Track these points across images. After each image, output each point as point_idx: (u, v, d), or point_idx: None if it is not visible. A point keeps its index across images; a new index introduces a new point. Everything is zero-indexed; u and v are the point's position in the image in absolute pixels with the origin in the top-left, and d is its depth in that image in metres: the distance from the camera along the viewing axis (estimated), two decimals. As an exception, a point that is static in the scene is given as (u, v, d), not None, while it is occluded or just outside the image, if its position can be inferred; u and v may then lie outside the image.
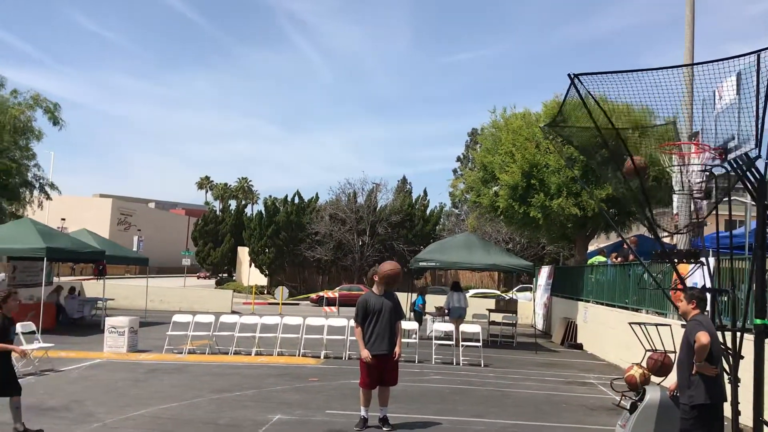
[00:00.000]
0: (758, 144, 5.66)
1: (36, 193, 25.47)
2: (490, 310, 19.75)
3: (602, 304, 16.81)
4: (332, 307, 28.00)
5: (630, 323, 7.98)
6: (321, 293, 35.05)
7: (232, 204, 73.23)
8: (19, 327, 10.75)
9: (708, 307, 6.36)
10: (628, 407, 6.91)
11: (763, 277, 6.17)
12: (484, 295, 32.61)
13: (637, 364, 7.06)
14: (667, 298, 10.65)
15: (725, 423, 5.72)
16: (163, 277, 61.85)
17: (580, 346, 17.87)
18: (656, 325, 7.98)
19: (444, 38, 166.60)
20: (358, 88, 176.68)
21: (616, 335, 14.66)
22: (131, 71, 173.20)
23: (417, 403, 9.46)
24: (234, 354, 13.85)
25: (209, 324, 14.44)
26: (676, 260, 7.10)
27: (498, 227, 40.03)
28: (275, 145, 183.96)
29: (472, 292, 35.80)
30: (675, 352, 6.17)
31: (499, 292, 37.71)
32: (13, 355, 7.11)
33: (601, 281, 17.54)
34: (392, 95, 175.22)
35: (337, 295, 31.34)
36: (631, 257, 15.79)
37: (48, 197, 26.03)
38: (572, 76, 5.87)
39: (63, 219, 56.36)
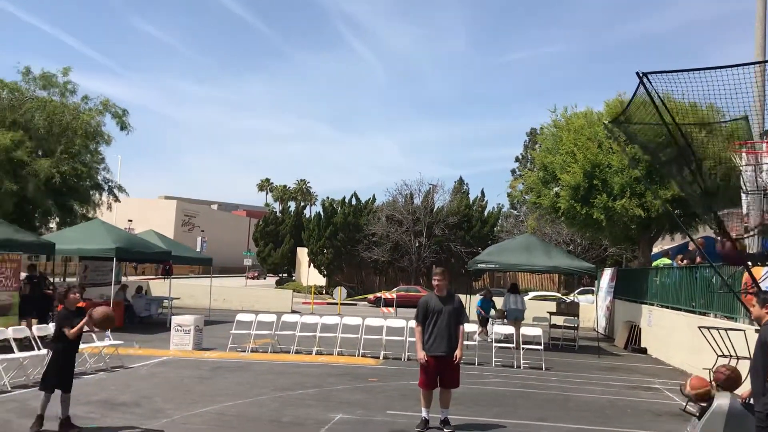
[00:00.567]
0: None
1: (105, 195, 26.41)
2: (551, 313, 19.46)
3: (667, 307, 16.36)
4: (389, 308, 28.09)
5: (700, 327, 7.75)
6: (378, 294, 35.21)
7: (291, 205, 74.27)
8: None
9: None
10: (696, 413, 6.72)
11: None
12: (544, 298, 32.15)
13: (708, 369, 6.86)
14: (739, 302, 10.29)
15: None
16: (225, 276, 63.23)
17: (644, 351, 17.44)
18: (729, 329, 7.72)
19: (501, 36, 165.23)
20: (414, 89, 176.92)
21: (682, 339, 14.25)
22: (194, 76, 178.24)
23: (478, 406, 9.42)
24: (295, 353, 14.07)
25: (271, 323, 14.70)
26: (749, 263, 6.87)
27: (558, 228, 39.40)
28: (332, 147, 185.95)
29: (531, 294, 35.35)
30: (748, 357, 5.97)
31: (559, 295, 37.12)
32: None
33: (667, 284, 17.08)
34: (448, 95, 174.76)
35: (394, 296, 31.42)
36: (698, 259, 15.32)
37: (116, 199, 26.95)
38: (641, 74, 5.76)
39: (130, 220, 58.24)
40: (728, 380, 6.55)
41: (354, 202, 46.25)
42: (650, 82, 5.77)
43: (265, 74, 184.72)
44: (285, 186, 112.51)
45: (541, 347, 13.94)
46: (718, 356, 6.90)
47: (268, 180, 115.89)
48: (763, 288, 8.68)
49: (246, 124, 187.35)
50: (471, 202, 46.13)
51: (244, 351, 14.14)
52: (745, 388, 6.07)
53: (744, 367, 6.28)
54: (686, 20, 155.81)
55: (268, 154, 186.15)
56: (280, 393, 9.83)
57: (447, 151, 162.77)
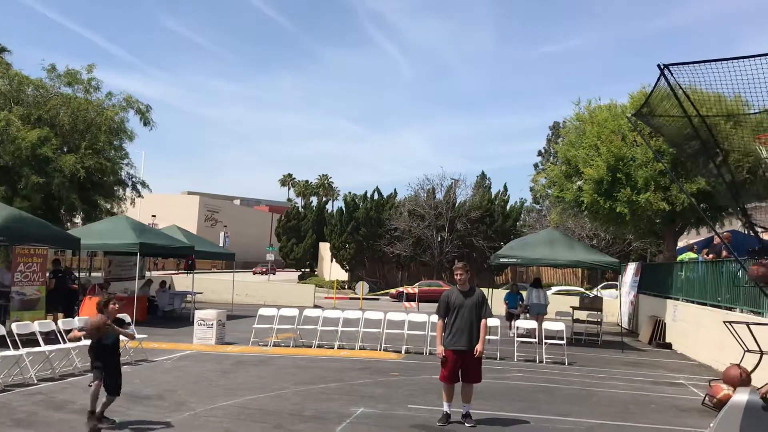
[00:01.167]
0: None
1: (129, 190, 26.68)
2: (574, 308, 19.32)
3: (693, 302, 16.15)
4: (412, 303, 28.07)
5: (725, 322, 7.63)
6: (401, 289, 35.22)
7: (314, 201, 74.53)
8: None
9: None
10: (714, 407, 6.61)
11: None
12: (567, 293, 31.89)
13: (735, 364, 6.75)
14: (766, 296, 10.12)
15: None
16: (248, 271, 63.65)
17: (669, 346, 17.23)
18: (755, 324, 7.59)
19: (525, 32, 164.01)
20: (438, 85, 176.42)
21: (708, 334, 14.06)
22: (221, 74, 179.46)
23: (500, 401, 9.38)
24: (317, 347, 14.11)
25: (293, 318, 14.77)
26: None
27: (582, 223, 39.03)
28: (355, 143, 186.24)
29: (554, 289, 35.09)
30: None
31: (583, 290, 36.82)
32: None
33: (692, 278, 16.85)
34: (471, 91, 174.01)
35: (416, 290, 31.41)
36: (724, 254, 15.09)
37: (140, 195, 27.21)
38: (662, 66, 5.67)
39: (153, 216, 58.85)
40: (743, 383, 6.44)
41: (376, 197, 46.27)
42: (671, 74, 5.67)
43: (293, 72, 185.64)
44: (307, 181, 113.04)
45: (564, 342, 13.85)
46: (745, 351, 6.77)
47: (290, 175, 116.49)
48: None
49: (271, 120, 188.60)
50: (493, 196, 45.93)
51: (266, 345, 14.22)
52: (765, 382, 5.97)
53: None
54: (714, 12, 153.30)
55: (292, 150, 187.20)
56: (301, 387, 9.88)
57: (470, 145, 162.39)
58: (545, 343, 13.89)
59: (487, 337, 14.09)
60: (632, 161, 19.22)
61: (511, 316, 18.20)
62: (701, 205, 18.80)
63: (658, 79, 5.86)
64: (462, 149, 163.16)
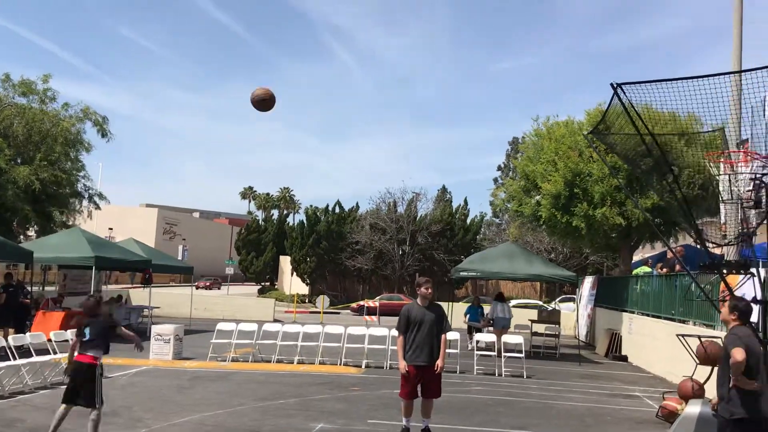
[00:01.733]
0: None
1: (85, 203, 26.19)
2: (533, 321, 19.53)
3: (648, 315, 16.48)
4: (372, 317, 28.02)
5: (678, 335, 7.82)
6: (362, 302, 35.14)
7: (275, 214, 74.07)
8: (68, 334, 11.04)
9: (754, 319, 6.19)
10: (667, 419, 6.76)
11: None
12: (526, 306, 32.25)
13: (688, 377, 6.92)
14: (716, 310, 10.40)
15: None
16: (187, 286, 62.87)
17: (624, 358, 17.54)
18: (705, 337, 7.80)
19: (486, 46, 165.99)
20: (400, 98, 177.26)
21: (662, 347, 14.35)
22: (179, 83, 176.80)
23: (459, 415, 9.42)
24: (276, 362, 13.99)
25: (252, 332, 14.63)
26: (725, 271, 6.94)
27: (540, 237, 39.62)
28: (317, 155, 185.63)
29: (513, 302, 35.39)
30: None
31: (541, 303, 37.28)
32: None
33: (647, 292, 17.21)
34: (433, 104, 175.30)
35: (377, 304, 31.37)
36: (677, 267, 15.46)
37: (97, 207, 26.73)
38: (615, 85, 5.82)
39: (110, 228, 57.71)
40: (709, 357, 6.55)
41: (337, 210, 46.25)
42: (624, 93, 5.82)
43: (253, 83, 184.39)
44: (268, 194, 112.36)
45: (523, 355, 13.98)
46: (697, 364, 6.95)
47: (251, 188, 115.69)
48: (739, 296, 8.78)
49: (232, 132, 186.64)
50: (454, 210, 46.34)
51: (225, 360, 14.04)
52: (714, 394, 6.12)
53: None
54: (668, 31, 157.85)
55: (252, 162, 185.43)
56: (260, 403, 9.77)
57: (432, 159, 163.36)
58: (504, 357, 14.01)
59: (447, 350, 14.19)
60: (589, 177, 19.61)
61: (471, 330, 18.33)
62: (656, 219, 19.24)
63: (612, 97, 6.01)
64: (423, 162, 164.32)
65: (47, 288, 22.95)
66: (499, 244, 32.71)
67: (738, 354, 5.20)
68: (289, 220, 68.19)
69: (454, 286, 42.02)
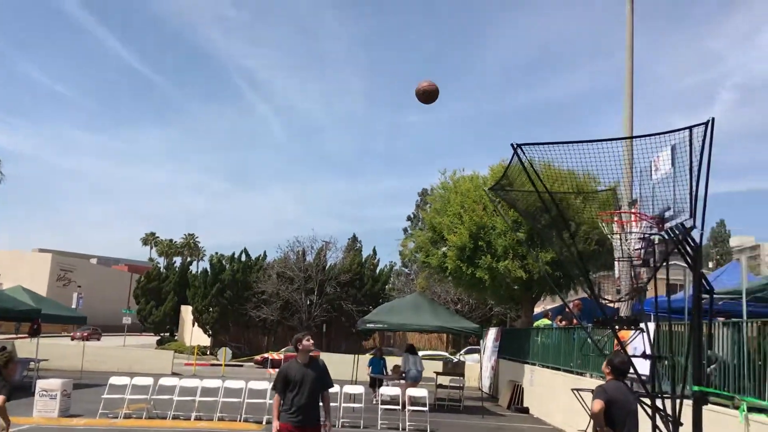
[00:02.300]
0: (692, 215, 5.86)
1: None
2: (438, 373, 19.60)
3: (548, 367, 16.86)
4: (277, 369, 27.33)
5: (573, 389, 8.00)
6: (266, 354, 34.27)
7: (177, 261, 71.73)
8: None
9: (646, 372, 6.41)
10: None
11: (700, 343, 6.30)
12: (432, 357, 32.38)
13: (582, 430, 7.05)
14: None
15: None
16: (103, 335, 59.79)
17: (526, 410, 17.81)
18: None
19: (397, 97, 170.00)
20: (311, 146, 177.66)
21: (561, 399, 14.67)
22: (83, 124, 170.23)
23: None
24: (172, 419, 13.32)
25: (147, 387, 13.91)
26: (617, 326, 7.19)
27: (447, 287, 40.14)
28: (225, 202, 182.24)
29: (420, 353, 35.56)
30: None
31: (447, 354, 37.55)
32: None
33: (547, 344, 17.65)
34: (345, 154, 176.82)
35: (282, 356, 30.67)
36: (575, 321, 15.96)
37: (-17, 252, 25.07)
38: (515, 145, 6.03)
39: (-2, 274, 54.18)
40: None
41: (244, 258, 45.36)
42: (524, 153, 6.04)
43: (160, 126, 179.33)
44: (171, 240, 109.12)
45: (427, 408, 13.94)
46: (591, 417, 7.11)
47: (153, 234, 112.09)
48: (632, 349, 9.12)
49: (136, 176, 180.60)
50: (363, 259, 46.38)
51: (116, 417, 13.24)
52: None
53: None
54: (570, 92, 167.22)
55: (158, 208, 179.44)
56: (152, 464, 9.21)
57: (342, 208, 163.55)
58: (408, 410, 13.91)
59: (351, 405, 13.98)
60: (493, 230, 20.16)
61: (374, 382, 18.19)
62: (556, 273, 19.90)
63: (512, 156, 6.22)
64: (333, 211, 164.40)
65: None
66: (407, 294, 32.92)
67: (595, 405, 5.59)
68: (193, 267, 66.02)
69: (361, 337, 41.79)
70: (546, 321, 19.42)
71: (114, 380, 14.18)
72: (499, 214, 19.40)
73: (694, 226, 6.00)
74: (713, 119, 5.87)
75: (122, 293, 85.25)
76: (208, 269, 44.97)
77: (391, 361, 21.43)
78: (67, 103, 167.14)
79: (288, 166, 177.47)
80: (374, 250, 50.61)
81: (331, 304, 42.29)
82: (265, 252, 48.97)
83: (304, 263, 43.06)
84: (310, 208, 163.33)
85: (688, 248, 6.28)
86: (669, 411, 6.38)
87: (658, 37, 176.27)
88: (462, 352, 37.39)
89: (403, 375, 17.48)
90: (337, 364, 25.75)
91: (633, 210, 7.21)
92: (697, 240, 6.25)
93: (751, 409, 7.85)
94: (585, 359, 13.90)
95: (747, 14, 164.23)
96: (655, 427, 6.51)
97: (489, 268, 19.82)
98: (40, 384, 13.54)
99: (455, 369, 20.24)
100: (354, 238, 63.44)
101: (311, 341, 7.33)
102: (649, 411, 6.50)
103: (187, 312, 47.68)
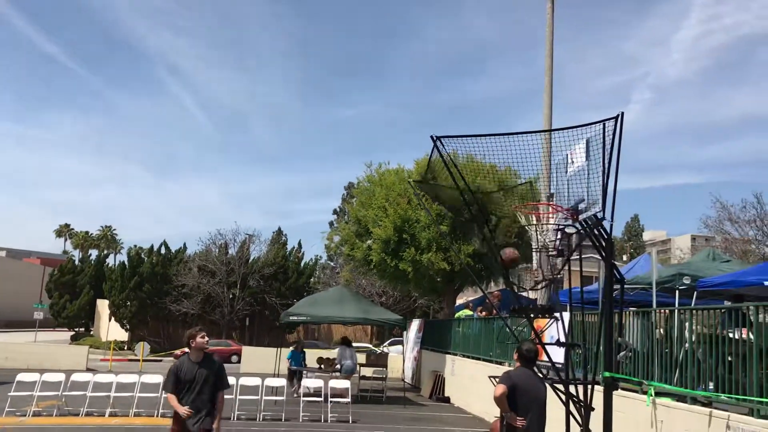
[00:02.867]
0: (604, 206, 6.07)
1: None
2: (361, 365, 19.66)
3: (469, 357, 17.19)
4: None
5: (490, 376, 8.17)
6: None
7: (93, 254, 69.21)
8: None
9: (560, 359, 6.61)
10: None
11: (610, 331, 6.55)
12: (357, 350, 32.42)
13: (498, 417, 7.22)
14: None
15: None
16: (12, 331, 57.07)
17: (447, 399, 18.11)
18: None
19: (326, 92, 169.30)
20: (237, 139, 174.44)
21: (481, 388, 14.98)
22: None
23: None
24: (85, 415, 12.84)
25: (59, 383, 13.37)
26: (532, 315, 7.40)
27: (372, 280, 40.31)
28: (145, 193, 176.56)
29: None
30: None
31: (371, 346, 37.73)
32: None
33: (468, 334, 17.99)
34: (272, 147, 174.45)
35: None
36: (495, 311, 16.33)
37: None
38: (434, 138, 6.09)
39: None
40: None
41: (164, 251, 44.20)
42: (444, 146, 6.11)
43: (78, 113, 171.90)
44: (87, 232, 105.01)
45: (349, 400, 13.97)
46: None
47: (67, 225, 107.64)
48: (548, 337, 9.41)
49: (50, 165, 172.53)
50: (288, 253, 45.96)
51: (25, 415, 12.66)
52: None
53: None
54: (493, 90, 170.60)
55: (74, 198, 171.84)
56: (62, 462, 8.86)
57: (269, 201, 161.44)
58: (331, 402, 13.90)
59: (273, 398, 13.86)
60: (417, 223, 20.36)
61: (293, 374, 18.15)
62: (477, 265, 20.30)
63: (433, 149, 6.27)
64: (259, 205, 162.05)
65: None
66: (330, 288, 32.85)
67: (497, 389, 5.82)
68: (110, 260, 63.95)
69: (284, 330, 41.47)
70: (467, 312, 19.79)
71: (22, 377, 13.52)
72: (423, 207, 19.62)
73: (604, 218, 6.21)
74: (622, 113, 6.11)
75: (34, 287, 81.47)
76: (126, 262, 43.58)
77: (313, 354, 21.36)
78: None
79: (211, 158, 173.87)
80: (299, 244, 50.43)
81: (255, 297, 41.78)
82: (185, 244, 47.95)
83: (227, 256, 42.36)
84: (236, 202, 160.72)
85: (601, 240, 6.51)
86: (581, 396, 6.61)
87: (576, 40, 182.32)
88: (386, 343, 37.66)
89: (338, 367, 17.50)
90: (259, 357, 25.58)
91: (550, 202, 7.42)
92: (608, 231, 6.48)
93: (658, 393, 8.25)
94: (503, 348, 14.25)
95: (662, 18, 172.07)
96: (568, 412, 6.74)
97: (413, 260, 20.01)
98: (-59, 382, 12.79)
99: (378, 360, 20.38)
100: (279, 232, 62.75)
101: (206, 338, 7.04)
102: (563, 397, 6.71)
103: (103, 306, 46.07)
